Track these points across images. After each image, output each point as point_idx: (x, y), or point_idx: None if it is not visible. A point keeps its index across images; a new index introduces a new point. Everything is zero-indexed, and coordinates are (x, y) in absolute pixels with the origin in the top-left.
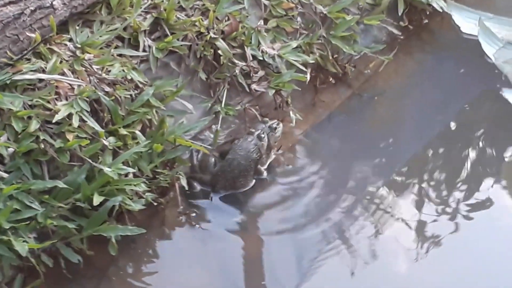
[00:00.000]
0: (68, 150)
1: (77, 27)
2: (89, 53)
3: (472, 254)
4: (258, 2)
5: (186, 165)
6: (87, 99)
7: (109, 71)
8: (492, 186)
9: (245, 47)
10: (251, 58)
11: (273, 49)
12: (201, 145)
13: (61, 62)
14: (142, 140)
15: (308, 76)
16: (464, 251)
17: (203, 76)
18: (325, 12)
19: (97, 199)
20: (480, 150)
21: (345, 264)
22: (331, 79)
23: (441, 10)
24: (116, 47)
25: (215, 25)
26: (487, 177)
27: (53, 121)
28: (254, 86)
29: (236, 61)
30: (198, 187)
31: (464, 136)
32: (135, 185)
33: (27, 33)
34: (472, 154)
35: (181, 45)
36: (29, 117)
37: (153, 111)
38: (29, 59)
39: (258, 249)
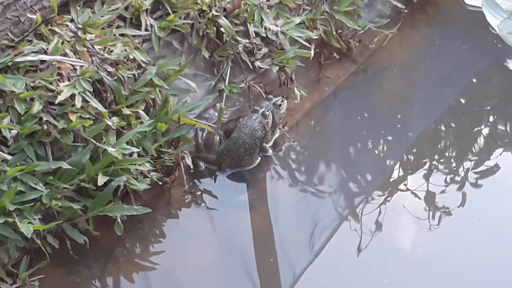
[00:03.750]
0: (72, 131)
1: (78, 8)
2: (91, 34)
3: (482, 226)
4: None
5: (190, 144)
6: (90, 80)
7: (111, 51)
8: (500, 158)
9: (248, 24)
10: (254, 35)
11: (276, 25)
12: (205, 124)
13: (62, 43)
14: (146, 120)
15: (312, 52)
16: (474, 222)
17: (206, 54)
18: None
19: (101, 180)
20: (486, 121)
21: (354, 237)
22: (335, 54)
23: None
24: (117, 27)
25: (217, 3)
26: (495, 149)
27: (56, 102)
28: (257, 63)
29: (239, 39)
30: (203, 166)
31: (470, 108)
32: (139, 165)
33: (28, 15)
34: (479, 125)
35: (184, 24)
36: (32, 99)
37: (157, 91)
38: (30, 41)
39: (266, 226)
